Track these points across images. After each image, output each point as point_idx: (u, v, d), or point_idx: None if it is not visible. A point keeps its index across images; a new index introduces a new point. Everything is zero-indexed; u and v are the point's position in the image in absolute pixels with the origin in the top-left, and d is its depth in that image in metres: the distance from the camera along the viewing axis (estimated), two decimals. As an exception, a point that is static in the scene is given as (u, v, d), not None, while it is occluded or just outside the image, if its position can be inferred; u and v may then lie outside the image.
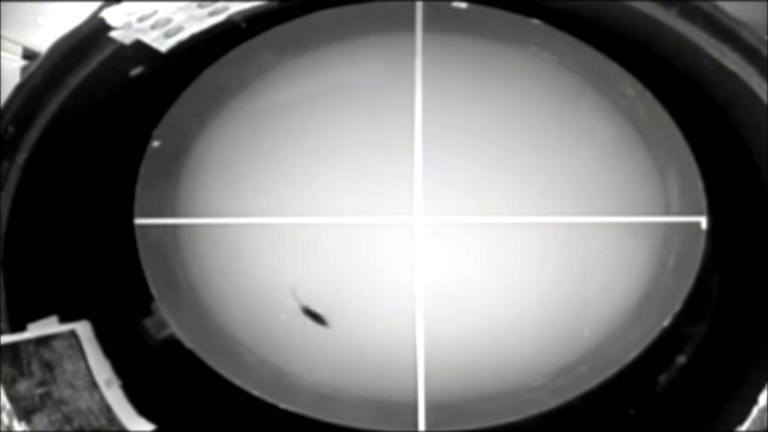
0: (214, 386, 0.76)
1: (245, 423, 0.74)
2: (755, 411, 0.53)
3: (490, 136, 0.75)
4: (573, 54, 0.74)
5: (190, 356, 0.76)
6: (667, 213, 0.74)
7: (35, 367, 0.58)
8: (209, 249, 0.78)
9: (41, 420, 0.56)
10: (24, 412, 0.54)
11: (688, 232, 0.73)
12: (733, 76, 0.55)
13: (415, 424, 0.72)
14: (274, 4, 0.62)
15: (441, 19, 0.72)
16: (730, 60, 0.54)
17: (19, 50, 0.85)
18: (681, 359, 0.70)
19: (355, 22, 0.75)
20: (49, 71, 0.57)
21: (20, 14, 0.86)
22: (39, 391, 0.57)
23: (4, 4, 0.82)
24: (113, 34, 0.56)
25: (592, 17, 0.66)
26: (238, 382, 0.76)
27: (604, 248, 0.74)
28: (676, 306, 0.73)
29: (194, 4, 0.57)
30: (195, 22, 0.59)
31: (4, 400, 0.54)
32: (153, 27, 0.57)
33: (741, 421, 0.53)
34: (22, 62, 0.85)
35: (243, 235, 0.77)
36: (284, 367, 0.77)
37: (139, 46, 0.59)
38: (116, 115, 0.69)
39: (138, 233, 0.77)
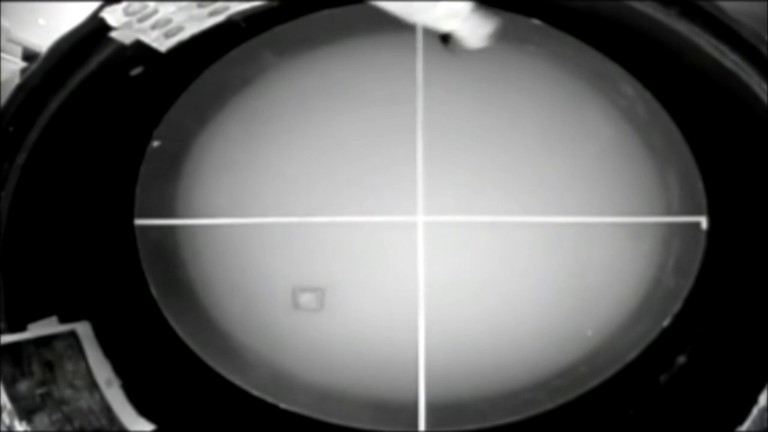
0: (214, 386, 0.76)
1: (245, 423, 0.74)
2: (755, 411, 0.53)
3: (490, 136, 0.75)
4: (573, 54, 0.74)
5: (190, 356, 0.76)
6: (667, 213, 0.74)
7: (36, 367, 0.58)
8: (209, 249, 0.78)
9: (42, 420, 0.56)
10: (25, 412, 0.55)
11: (688, 232, 0.74)
12: (733, 76, 0.55)
13: (416, 424, 0.72)
14: (274, 4, 0.62)
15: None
16: (730, 60, 0.54)
17: (19, 50, 0.85)
18: (681, 359, 0.70)
19: (356, 21, 0.75)
20: (49, 71, 0.57)
21: (20, 14, 0.86)
22: (39, 390, 0.57)
23: (4, 4, 0.82)
24: (113, 34, 0.56)
25: (592, 17, 0.66)
26: (237, 382, 0.76)
27: (605, 248, 0.75)
28: (676, 306, 0.74)
29: (194, 4, 0.57)
30: (195, 22, 0.59)
31: (5, 400, 0.54)
32: (153, 27, 0.57)
33: (741, 421, 0.53)
34: (23, 63, 0.85)
35: (243, 235, 0.77)
36: (284, 367, 0.77)
37: (139, 46, 0.59)
38: (116, 116, 0.69)
39: (138, 234, 0.78)
